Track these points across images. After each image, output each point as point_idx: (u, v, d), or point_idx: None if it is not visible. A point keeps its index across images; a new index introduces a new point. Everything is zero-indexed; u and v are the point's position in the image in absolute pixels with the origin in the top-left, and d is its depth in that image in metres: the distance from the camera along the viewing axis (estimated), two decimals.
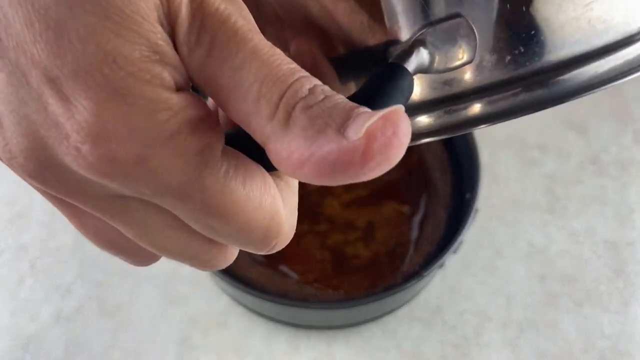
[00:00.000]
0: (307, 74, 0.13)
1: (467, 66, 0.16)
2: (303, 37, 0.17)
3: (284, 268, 0.39)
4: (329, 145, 0.12)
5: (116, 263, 0.45)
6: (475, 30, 0.16)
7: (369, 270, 0.39)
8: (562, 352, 0.41)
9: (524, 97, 0.17)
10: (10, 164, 0.13)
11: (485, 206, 0.47)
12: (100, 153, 0.12)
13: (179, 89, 0.13)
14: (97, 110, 0.11)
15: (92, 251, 0.45)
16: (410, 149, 0.43)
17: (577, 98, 0.17)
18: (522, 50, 0.16)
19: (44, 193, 0.14)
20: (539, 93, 0.17)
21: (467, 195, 0.41)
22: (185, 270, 0.44)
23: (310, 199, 0.41)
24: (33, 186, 0.14)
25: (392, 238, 0.40)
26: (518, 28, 0.16)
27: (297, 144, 0.12)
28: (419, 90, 0.17)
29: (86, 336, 0.42)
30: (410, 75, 0.15)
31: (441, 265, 0.37)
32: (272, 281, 0.39)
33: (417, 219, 0.41)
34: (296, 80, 0.12)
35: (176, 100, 0.12)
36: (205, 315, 0.42)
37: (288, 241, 0.15)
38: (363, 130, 0.11)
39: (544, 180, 0.49)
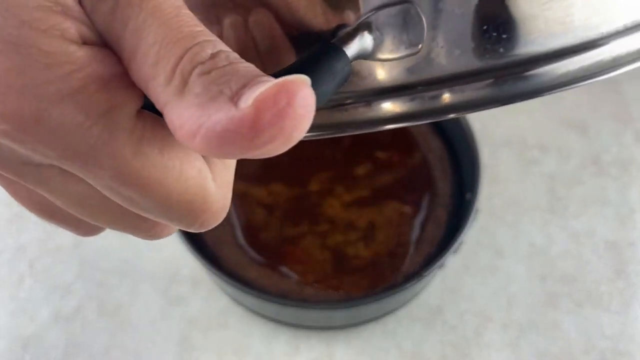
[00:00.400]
0: (214, 38, 0.12)
1: (435, 53, 0.16)
2: (263, 9, 0.16)
3: (283, 268, 0.39)
4: (216, 115, 0.11)
5: (116, 263, 0.45)
6: (423, 19, 0.15)
7: (369, 271, 0.39)
8: (562, 352, 0.41)
9: (485, 90, 0.16)
10: None
11: (485, 206, 0.47)
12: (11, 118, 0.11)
13: (87, 43, 0.12)
14: None
15: (92, 251, 0.45)
16: (412, 148, 0.43)
17: (538, 96, 0.17)
18: (478, 43, 0.16)
19: None
20: (500, 88, 0.16)
21: (468, 196, 0.41)
22: (186, 270, 0.44)
23: (311, 199, 0.41)
24: None
25: (392, 238, 0.40)
26: (475, 20, 0.15)
27: (188, 112, 0.11)
28: (385, 74, 0.16)
29: (86, 336, 0.42)
30: (346, 58, 0.14)
31: (441, 266, 0.37)
32: (271, 281, 0.39)
33: (418, 219, 0.41)
34: (197, 43, 0.11)
35: (81, 54, 0.11)
36: (205, 316, 0.42)
37: (219, 220, 0.14)
38: (252, 98, 0.10)
39: (544, 180, 0.49)
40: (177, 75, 0.11)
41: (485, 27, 0.16)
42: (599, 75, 0.17)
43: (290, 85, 0.11)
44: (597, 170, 0.49)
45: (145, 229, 0.15)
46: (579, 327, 0.42)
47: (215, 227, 0.44)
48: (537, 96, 0.16)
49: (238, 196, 0.41)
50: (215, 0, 0.16)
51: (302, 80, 0.11)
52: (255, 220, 0.40)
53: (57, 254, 0.45)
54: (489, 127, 0.51)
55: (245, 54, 0.14)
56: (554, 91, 0.17)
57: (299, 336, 0.42)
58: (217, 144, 0.11)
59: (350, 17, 0.15)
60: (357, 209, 0.41)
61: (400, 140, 0.44)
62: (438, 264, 0.36)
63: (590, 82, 0.17)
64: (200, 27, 0.12)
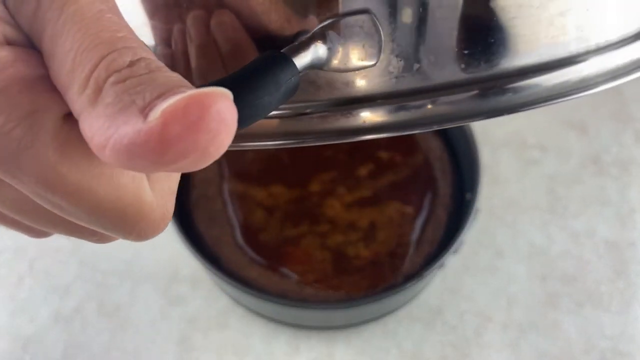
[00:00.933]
0: (136, 44, 0.11)
1: (393, 66, 0.15)
2: (226, 10, 0.15)
3: (283, 268, 0.39)
4: (124, 128, 0.10)
5: (115, 263, 0.45)
6: (381, 30, 0.15)
7: (369, 271, 0.39)
8: (562, 352, 0.41)
9: (460, 104, 0.16)
10: None
11: (485, 206, 0.47)
12: None
13: (11, 43, 0.11)
14: None
15: (91, 252, 0.45)
16: (414, 149, 0.43)
17: (524, 110, 0.17)
18: (438, 57, 0.15)
19: None
20: (474, 102, 0.16)
21: (468, 196, 0.41)
22: (185, 270, 0.44)
23: (311, 200, 0.41)
24: None
25: (393, 238, 0.40)
26: (434, 33, 0.15)
27: (98, 123, 0.10)
28: (365, 83, 0.16)
29: (85, 336, 0.42)
30: (294, 69, 0.14)
31: (441, 266, 0.37)
32: (271, 281, 0.39)
33: (419, 219, 0.41)
34: (116, 50, 0.11)
35: (3, 54, 0.11)
36: (205, 316, 0.42)
37: (158, 230, 0.14)
38: (160, 110, 0.10)
39: (544, 180, 0.49)
40: (90, 84, 0.11)
41: (439, 42, 0.15)
42: (574, 94, 0.17)
43: (204, 97, 0.10)
44: (597, 170, 0.49)
45: (88, 234, 0.14)
46: (579, 327, 0.42)
47: (215, 228, 0.43)
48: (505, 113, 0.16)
49: (238, 197, 0.41)
50: (177, 1, 0.15)
51: (219, 93, 0.10)
52: (255, 221, 0.41)
53: (57, 254, 0.45)
54: (489, 128, 0.51)
55: (208, 57, 0.13)
56: (522, 109, 0.16)
57: (299, 336, 0.42)
58: (126, 157, 0.10)
59: (309, 25, 0.15)
60: (358, 209, 0.41)
61: (402, 141, 0.44)
62: (438, 264, 0.36)
63: (564, 100, 0.17)
64: (123, 33, 0.11)
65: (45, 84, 0.11)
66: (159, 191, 0.14)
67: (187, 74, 0.16)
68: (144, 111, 0.10)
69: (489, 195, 0.47)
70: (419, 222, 0.41)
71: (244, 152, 0.43)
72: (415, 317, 0.42)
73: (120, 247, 0.45)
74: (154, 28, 0.16)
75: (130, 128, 0.10)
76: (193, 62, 0.16)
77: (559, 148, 0.50)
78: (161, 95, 0.10)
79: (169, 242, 0.46)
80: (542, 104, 0.16)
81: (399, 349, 0.41)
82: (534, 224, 0.46)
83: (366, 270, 0.39)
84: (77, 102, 0.11)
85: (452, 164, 0.44)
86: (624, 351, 0.41)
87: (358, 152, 0.43)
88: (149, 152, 0.10)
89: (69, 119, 0.12)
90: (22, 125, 0.11)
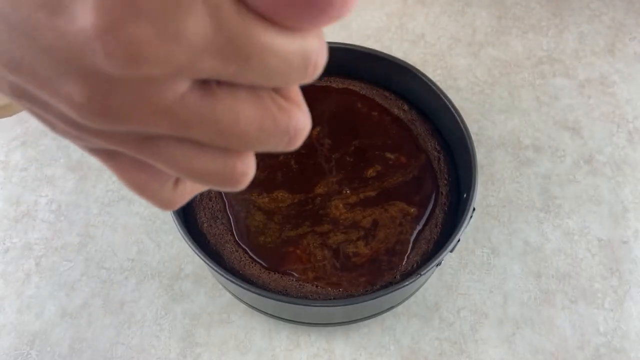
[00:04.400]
0: None
1: None
2: None
3: (284, 267, 0.40)
4: None
5: (120, 261, 0.45)
6: None
7: (367, 268, 0.39)
8: (557, 348, 0.41)
9: None
10: (84, 115, 0.13)
11: (481, 205, 0.47)
12: (121, 44, 0.12)
13: None
14: (96, 3, 0.11)
15: (97, 249, 0.46)
16: (418, 150, 0.44)
17: None
18: None
19: (90, 150, 0.15)
20: None
21: (464, 195, 0.41)
22: (189, 268, 0.45)
23: (315, 202, 0.42)
24: (84, 143, 0.14)
25: (392, 237, 0.40)
26: None
27: None
28: None
29: (91, 332, 0.42)
30: None
31: (438, 264, 0.37)
32: (272, 279, 0.39)
33: (421, 219, 0.41)
34: None
35: None
36: (208, 312, 0.43)
37: (325, 53, 0.15)
38: None
39: (539, 180, 0.49)
40: None
41: None
42: None
43: None
44: (591, 170, 0.50)
45: (228, 172, 0.16)
46: (574, 323, 0.42)
47: (218, 226, 0.44)
48: None
49: (238, 200, 0.42)
50: None
51: None
52: (254, 224, 0.41)
53: (63, 252, 0.46)
54: (485, 129, 0.52)
55: None
56: None
57: (299, 332, 0.42)
58: (312, 9, 0.12)
59: None
60: (361, 210, 0.41)
61: (406, 142, 0.44)
62: (435, 262, 0.37)
63: None
64: None
65: None
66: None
67: None
68: None
69: (485, 194, 0.48)
70: (420, 222, 0.41)
71: None
72: (413, 314, 0.43)
73: (125, 246, 0.46)
74: None
75: None
76: None
77: (553, 148, 0.51)
78: None
79: (173, 241, 0.46)
80: None
81: (397, 345, 0.42)
82: (528, 223, 0.47)
83: (365, 268, 0.39)
84: None
85: (449, 164, 0.44)
86: (618, 347, 0.41)
87: (364, 155, 0.44)
88: (328, 4, 0.12)
89: None
90: (205, 11, 0.12)
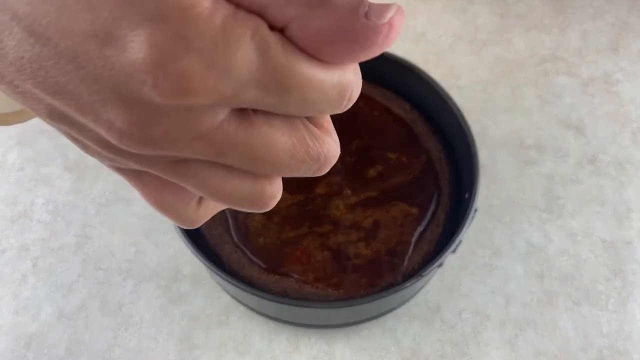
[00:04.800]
0: None
1: None
2: None
3: (283, 268, 0.39)
4: (354, 25, 0.13)
5: (118, 262, 0.45)
6: None
7: (368, 270, 0.39)
8: (560, 350, 0.41)
9: None
10: (123, 142, 0.13)
11: (483, 206, 0.47)
12: (171, 76, 0.12)
13: None
14: (148, 38, 0.12)
15: (94, 250, 0.46)
16: (419, 151, 0.44)
17: None
18: None
19: (117, 169, 0.16)
20: None
21: (466, 195, 0.41)
22: (187, 269, 0.45)
23: (315, 203, 0.41)
24: (115, 163, 0.15)
25: (393, 237, 0.40)
26: None
27: (325, 21, 0.13)
28: None
29: (88, 334, 0.42)
30: None
31: (440, 265, 0.37)
32: (272, 280, 0.39)
33: (422, 220, 0.41)
34: None
35: (206, 3, 0.12)
36: (206, 314, 0.43)
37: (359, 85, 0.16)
38: (388, 15, 0.13)
39: (542, 180, 0.49)
40: None
41: None
42: None
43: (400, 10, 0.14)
44: (595, 170, 0.49)
45: (257, 195, 0.16)
46: (577, 325, 0.42)
47: (216, 227, 0.44)
48: None
49: None
50: None
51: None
52: (254, 225, 0.41)
53: (60, 253, 0.46)
54: (487, 128, 0.52)
55: None
56: None
57: (299, 334, 0.42)
58: (353, 46, 0.13)
59: None
60: (361, 210, 0.41)
61: (407, 142, 0.44)
62: (437, 263, 0.36)
63: None
64: None
65: (242, 11, 0.13)
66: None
67: None
68: (366, 14, 0.13)
69: (487, 194, 0.48)
70: (421, 223, 0.41)
71: None
72: (414, 316, 0.42)
73: (123, 246, 0.46)
74: None
75: (361, 25, 0.13)
76: None
77: (556, 148, 0.51)
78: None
79: (171, 242, 0.46)
80: None
81: (398, 347, 0.41)
82: (531, 223, 0.46)
83: (366, 269, 0.39)
84: (288, 9, 0.13)
85: (451, 164, 0.44)
86: (621, 349, 0.41)
87: (366, 154, 0.43)
88: (372, 43, 0.13)
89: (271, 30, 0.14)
90: (252, 46, 0.13)
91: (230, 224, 0.41)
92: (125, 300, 0.43)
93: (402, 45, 0.57)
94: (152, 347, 0.41)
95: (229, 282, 0.36)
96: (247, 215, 0.41)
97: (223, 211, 0.42)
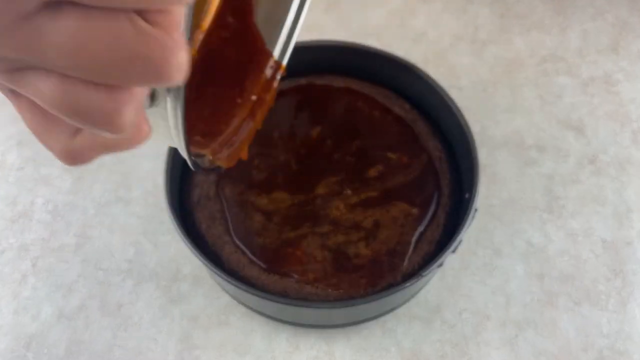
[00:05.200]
0: None
1: None
2: None
3: (284, 268, 0.39)
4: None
5: (118, 262, 0.45)
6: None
7: (368, 270, 0.39)
8: (560, 351, 0.41)
9: None
10: None
11: (483, 206, 0.47)
12: None
13: None
14: None
15: (94, 250, 0.46)
16: (420, 150, 0.44)
17: None
18: None
19: (2, 91, 0.16)
20: None
21: (466, 195, 0.41)
22: (187, 269, 0.45)
23: (315, 203, 0.41)
24: None
25: (394, 237, 0.40)
26: None
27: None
28: None
29: (88, 335, 0.42)
30: None
31: (440, 265, 0.37)
32: (272, 281, 0.39)
33: (423, 220, 0.41)
34: None
35: None
36: (206, 314, 0.43)
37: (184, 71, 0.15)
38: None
39: (542, 180, 0.49)
40: None
41: None
42: None
43: None
44: (595, 170, 0.49)
45: (111, 107, 0.15)
46: (577, 325, 0.42)
47: (216, 227, 0.44)
48: None
49: (237, 201, 0.42)
50: None
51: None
52: (253, 225, 0.41)
53: (60, 253, 0.46)
54: (487, 128, 0.52)
55: None
56: None
57: (299, 334, 0.42)
58: None
59: None
60: (362, 210, 0.41)
61: (407, 142, 0.44)
62: (437, 263, 0.36)
63: None
64: None
65: None
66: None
67: None
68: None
69: (487, 194, 0.48)
70: (421, 223, 0.41)
71: (249, 158, 0.43)
72: (414, 316, 0.42)
73: (123, 246, 0.46)
74: None
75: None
76: None
77: (556, 148, 0.51)
78: None
79: (171, 242, 0.46)
80: None
81: (398, 347, 0.41)
82: (531, 223, 0.46)
83: (366, 269, 0.39)
84: None
85: (451, 163, 0.44)
86: (622, 349, 0.41)
87: (367, 154, 0.43)
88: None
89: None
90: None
91: (230, 225, 0.41)
92: (124, 300, 0.43)
93: (402, 45, 0.57)
94: (152, 347, 0.41)
95: (228, 282, 0.36)
96: (247, 215, 0.41)
97: (223, 212, 0.42)
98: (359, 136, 0.44)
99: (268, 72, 0.32)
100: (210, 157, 0.29)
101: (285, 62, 0.33)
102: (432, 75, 0.45)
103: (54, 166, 0.50)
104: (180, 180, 0.44)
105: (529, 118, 0.52)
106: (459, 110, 0.42)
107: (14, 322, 0.42)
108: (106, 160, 0.50)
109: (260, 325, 0.42)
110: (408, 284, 0.36)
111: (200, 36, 0.24)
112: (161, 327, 0.42)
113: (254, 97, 0.31)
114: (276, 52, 0.33)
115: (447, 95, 0.43)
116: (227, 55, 0.30)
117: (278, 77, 0.33)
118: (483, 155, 0.50)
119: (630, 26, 0.59)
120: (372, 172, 0.43)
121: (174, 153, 0.41)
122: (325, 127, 0.45)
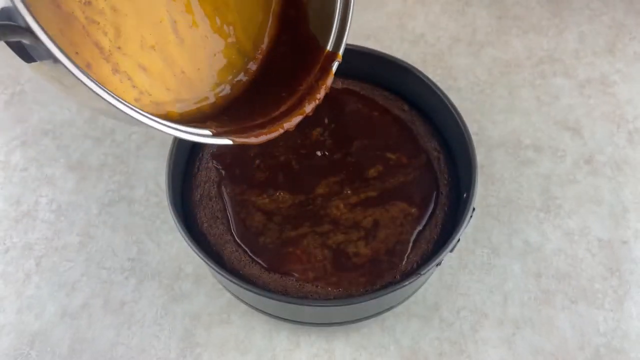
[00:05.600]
0: None
1: None
2: None
3: (284, 267, 0.40)
4: None
5: (120, 261, 0.45)
6: None
7: (368, 268, 0.39)
8: (557, 349, 0.41)
9: None
10: None
11: (481, 205, 0.47)
12: None
13: None
14: None
15: (97, 250, 0.46)
16: (418, 150, 0.45)
17: None
18: None
19: None
20: None
21: (464, 195, 0.41)
22: (189, 268, 0.45)
23: (315, 203, 0.42)
24: None
25: (393, 237, 0.40)
26: None
27: None
28: None
29: (91, 333, 0.42)
30: None
31: (438, 264, 0.37)
32: (272, 279, 0.39)
33: (421, 220, 0.41)
34: None
35: None
36: (208, 312, 0.43)
37: None
38: None
39: (539, 180, 0.49)
40: None
41: None
42: None
43: None
44: (591, 170, 0.50)
45: None
46: (574, 324, 0.42)
47: (218, 227, 0.44)
48: None
49: (238, 201, 0.42)
50: None
51: None
52: (254, 225, 0.41)
53: (64, 252, 0.46)
54: (485, 129, 0.52)
55: None
56: None
57: (299, 332, 0.42)
58: None
59: None
60: (361, 210, 0.41)
61: (406, 142, 0.44)
62: (435, 262, 0.37)
63: None
64: None
65: None
66: None
67: None
68: None
69: (485, 194, 0.48)
70: (420, 222, 0.41)
71: (249, 158, 0.44)
72: (413, 314, 0.43)
73: (125, 246, 0.46)
74: None
75: None
76: None
77: (553, 148, 0.51)
78: None
79: (173, 241, 0.46)
80: None
81: (397, 345, 0.42)
82: (529, 223, 0.47)
83: (365, 268, 0.39)
84: None
85: (449, 164, 0.44)
86: (618, 347, 0.41)
87: (365, 155, 0.44)
88: None
89: None
90: None
91: (232, 224, 0.41)
92: (127, 298, 0.44)
93: (401, 46, 0.58)
94: (154, 345, 0.42)
95: (230, 280, 0.36)
96: (248, 215, 0.41)
97: (224, 211, 0.42)
98: (359, 137, 0.45)
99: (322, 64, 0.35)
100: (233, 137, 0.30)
101: (341, 50, 0.36)
102: (430, 76, 0.45)
103: (58, 166, 0.50)
104: (182, 180, 0.44)
105: (526, 119, 0.53)
106: (457, 111, 0.42)
107: (17, 321, 0.43)
108: (109, 160, 0.51)
109: (261, 324, 0.43)
110: (407, 283, 0.36)
111: (253, 67, 0.26)
112: (163, 325, 0.42)
113: (302, 87, 0.33)
114: (330, 43, 0.36)
115: (446, 96, 0.43)
116: (285, 64, 0.32)
117: (334, 66, 0.35)
118: (481, 155, 0.50)
119: (626, 28, 0.59)
120: (372, 172, 0.43)
121: (175, 153, 0.41)
122: (325, 127, 0.45)
